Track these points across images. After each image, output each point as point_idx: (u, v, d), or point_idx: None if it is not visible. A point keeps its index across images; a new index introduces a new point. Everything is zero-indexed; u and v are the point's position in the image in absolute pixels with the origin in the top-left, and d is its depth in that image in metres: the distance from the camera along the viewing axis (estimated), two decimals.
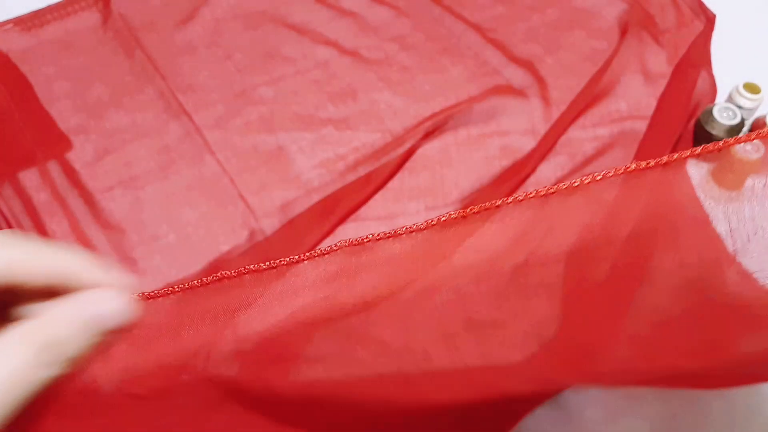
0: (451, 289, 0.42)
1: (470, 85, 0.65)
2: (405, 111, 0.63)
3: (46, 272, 0.23)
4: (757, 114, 0.61)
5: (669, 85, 0.65)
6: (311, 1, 0.72)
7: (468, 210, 0.36)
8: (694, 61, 0.66)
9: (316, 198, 0.56)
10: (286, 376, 0.44)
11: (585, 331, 0.44)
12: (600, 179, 0.39)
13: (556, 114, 0.63)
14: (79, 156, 0.60)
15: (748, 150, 0.55)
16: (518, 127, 0.62)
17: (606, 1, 0.72)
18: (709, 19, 0.70)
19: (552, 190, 0.38)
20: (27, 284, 0.23)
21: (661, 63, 0.67)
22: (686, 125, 0.61)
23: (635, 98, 0.65)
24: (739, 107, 0.59)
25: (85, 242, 0.55)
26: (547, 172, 0.60)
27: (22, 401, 0.21)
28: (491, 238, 0.41)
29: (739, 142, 0.37)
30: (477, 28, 0.70)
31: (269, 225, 0.55)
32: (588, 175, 0.37)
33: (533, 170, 0.59)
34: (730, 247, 0.43)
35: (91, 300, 0.24)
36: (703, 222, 0.44)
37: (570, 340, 0.43)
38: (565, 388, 0.46)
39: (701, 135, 0.58)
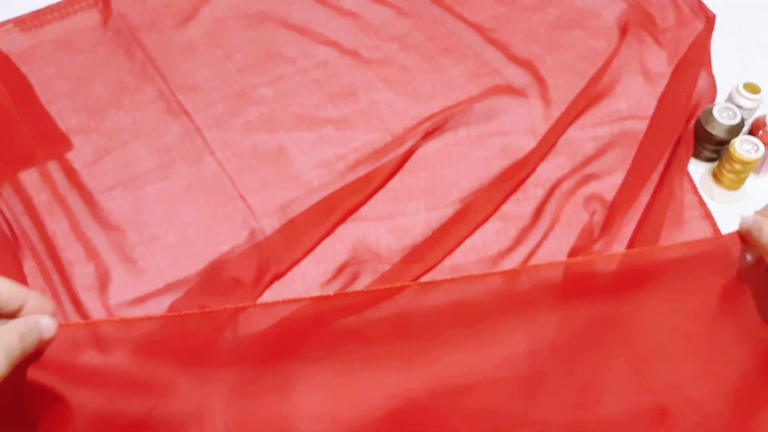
0: None
1: (470, 85, 0.65)
2: (405, 111, 0.63)
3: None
4: (757, 114, 0.61)
5: (669, 85, 0.65)
6: (311, 1, 0.72)
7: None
8: (694, 61, 0.66)
9: (316, 198, 0.56)
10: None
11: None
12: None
13: (556, 114, 0.63)
14: (79, 156, 0.60)
15: (747, 150, 0.55)
16: (518, 127, 0.62)
17: (606, 1, 0.72)
18: (709, 19, 0.70)
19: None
20: None
21: (661, 63, 0.67)
22: (686, 125, 0.61)
23: (635, 98, 0.65)
24: (739, 107, 0.59)
25: (85, 242, 0.55)
26: (547, 172, 0.60)
27: None
28: None
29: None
30: (477, 28, 0.70)
31: (269, 225, 0.55)
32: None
33: (533, 170, 0.59)
34: None
35: (35, 319, 0.36)
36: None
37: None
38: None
39: (701, 135, 0.58)
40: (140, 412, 0.44)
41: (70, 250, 0.54)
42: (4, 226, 0.54)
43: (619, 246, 0.53)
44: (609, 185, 0.58)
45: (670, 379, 0.44)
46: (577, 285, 0.50)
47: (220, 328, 0.48)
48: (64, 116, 0.62)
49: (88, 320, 0.48)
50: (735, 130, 0.57)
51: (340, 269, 0.53)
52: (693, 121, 0.60)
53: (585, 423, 0.42)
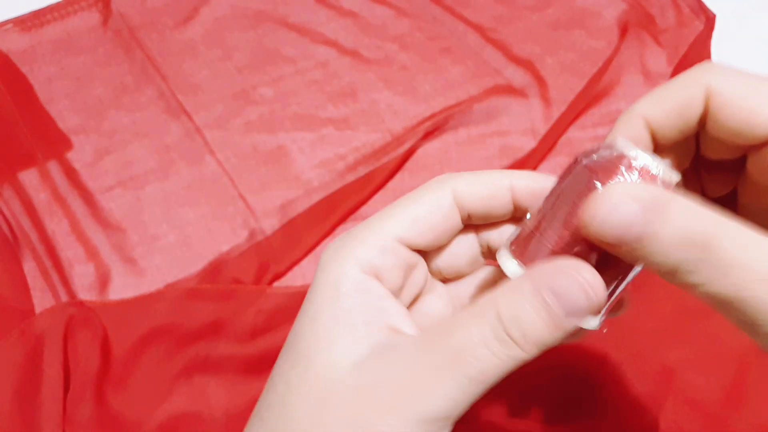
0: None
1: (470, 85, 0.65)
2: (405, 111, 0.63)
3: (485, 196, 0.26)
4: None
5: None
6: (311, 1, 0.72)
7: None
8: (694, 61, 0.66)
9: (316, 198, 0.56)
10: None
11: None
12: None
13: (556, 114, 0.63)
14: (79, 156, 0.60)
15: None
16: (518, 127, 0.62)
17: (606, 1, 0.72)
18: (709, 19, 0.70)
19: None
20: (473, 213, 0.25)
21: (661, 63, 0.67)
22: None
23: (635, 98, 0.64)
24: None
25: (85, 242, 0.55)
26: (547, 172, 0.59)
27: (486, 382, 0.20)
28: None
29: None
30: (477, 28, 0.70)
31: (269, 225, 0.55)
32: None
33: (533, 170, 0.59)
34: None
35: (547, 273, 0.21)
36: None
37: None
38: None
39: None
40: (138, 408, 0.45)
41: (70, 250, 0.54)
42: (4, 226, 0.54)
43: None
44: None
45: (663, 366, 0.44)
46: None
47: (221, 324, 0.48)
48: (64, 116, 0.62)
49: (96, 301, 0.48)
50: None
51: None
52: None
53: (578, 415, 0.43)
